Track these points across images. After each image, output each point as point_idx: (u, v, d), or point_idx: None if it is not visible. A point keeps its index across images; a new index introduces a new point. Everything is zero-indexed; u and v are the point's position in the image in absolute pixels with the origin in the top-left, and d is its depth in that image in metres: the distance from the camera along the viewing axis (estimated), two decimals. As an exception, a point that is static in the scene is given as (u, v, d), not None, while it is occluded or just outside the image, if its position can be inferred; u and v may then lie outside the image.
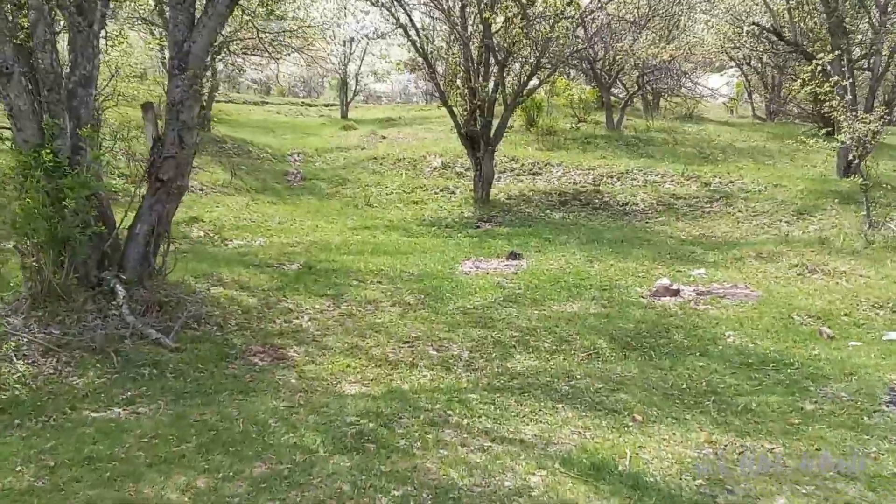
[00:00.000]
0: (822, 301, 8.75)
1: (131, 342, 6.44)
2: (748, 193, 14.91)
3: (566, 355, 6.96)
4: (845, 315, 8.30)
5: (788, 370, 6.59)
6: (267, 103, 36.83)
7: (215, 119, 23.35)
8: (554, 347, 7.14)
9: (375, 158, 19.75)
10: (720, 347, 7.18)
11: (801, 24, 16.43)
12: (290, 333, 7.36)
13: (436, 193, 16.64)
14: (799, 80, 13.71)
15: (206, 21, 7.30)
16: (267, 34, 20.21)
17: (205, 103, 21.31)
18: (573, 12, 13.29)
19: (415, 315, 8.11)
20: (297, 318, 7.88)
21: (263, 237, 12.04)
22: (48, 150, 6.31)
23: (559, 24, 12.82)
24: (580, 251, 11.38)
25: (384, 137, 23.68)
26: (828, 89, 12.94)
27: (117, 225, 7.41)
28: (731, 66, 31.62)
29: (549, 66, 15.62)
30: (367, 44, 31.07)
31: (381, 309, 8.33)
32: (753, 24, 17.24)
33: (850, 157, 15.18)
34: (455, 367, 6.59)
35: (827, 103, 13.34)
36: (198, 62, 7.37)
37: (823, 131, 14.41)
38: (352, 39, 30.28)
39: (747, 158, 18.64)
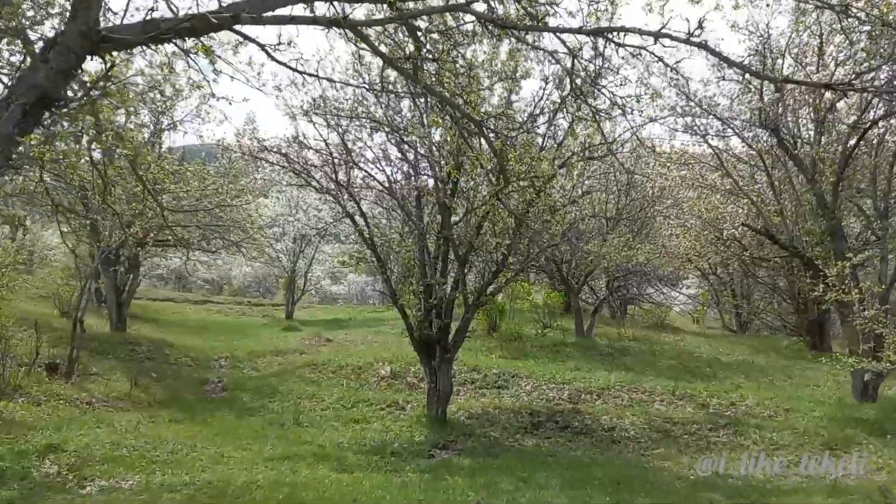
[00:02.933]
0: None
1: None
2: (758, 420, 12.42)
3: None
4: None
5: None
6: (209, 302, 34.31)
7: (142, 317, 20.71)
8: None
9: (315, 365, 17.01)
10: None
11: (797, 228, 15.01)
12: None
13: (382, 409, 13.78)
14: (821, 286, 11.80)
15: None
16: (200, 227, 18.18)
17: (119, 298, 18.73)
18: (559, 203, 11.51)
19: None
20: None
21: (140, 475, 8.89)
22: None
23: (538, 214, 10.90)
24: (568, 500, 8.49)
25: (329, 340, 21.12)
26: (857, 296, 10.98)
27: None
28: (690, 278, 30.66)
29: (517, 264, 13.62)
30: (319, 241, 29.45)
31: None
32: (743, 225, 15.89)
33: (866, 378, 13.07)
34: None
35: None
36: None
37: (847, 358, 12.39)
38: (303, 236, 28.55)
39: (739, 375, 16.43)
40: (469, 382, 15.25)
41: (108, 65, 4.80)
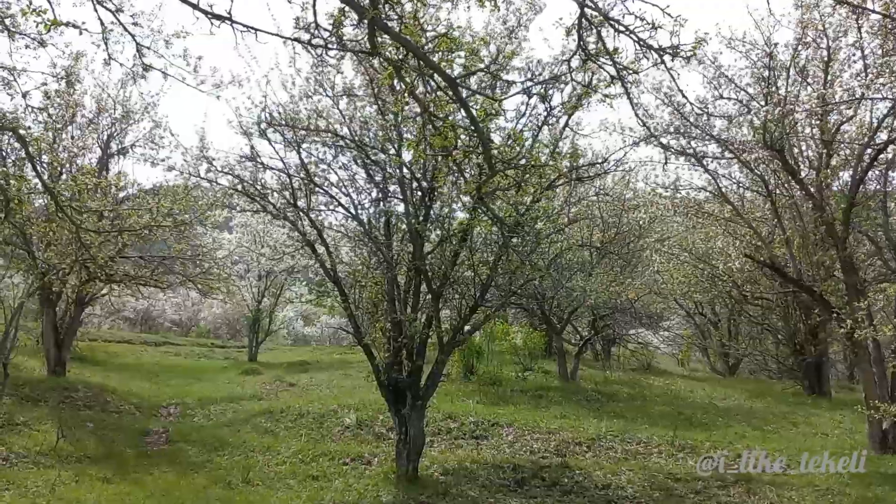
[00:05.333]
0: None
1: None
2: (772, 475, 10.96)
3: None
4: None
5: None
6: (169, 343, 32.37)
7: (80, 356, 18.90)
8: None
9: (272, 413, 15.32)
10: None
11: (805, 260, 13.80)
12: None
13: (345, 464, 12.13)
14: (844, 324, 10.52)
15: None
16: (153, 260, 16.60)
17: (58, 339, 16.96)
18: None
19: None
20: None
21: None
22: None
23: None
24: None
25: (292, 385, 19.46)
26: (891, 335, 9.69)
27: None
28: (673, 318, 29.37)
29: (497, 299, 12.24)
30: (286, 278, 27.84)
31: None
32: (746, 256, 14.65)
33: (884, 426, 11.76)
34: None
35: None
36: None
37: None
38: (268, 273, 26.92)
39: (739, 422, 15.05)
40: (444, 432, 13.67)
41: None
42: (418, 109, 10.74)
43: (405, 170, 11.44)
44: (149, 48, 7.41)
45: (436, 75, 5.09)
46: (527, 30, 10.26)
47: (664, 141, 12.44)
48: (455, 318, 12.10)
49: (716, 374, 27.47)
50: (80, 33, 5.31)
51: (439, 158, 10.75)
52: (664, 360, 30.61)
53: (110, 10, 6.92)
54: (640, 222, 16.64)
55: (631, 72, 4.97)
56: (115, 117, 16.80)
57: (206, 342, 35.80)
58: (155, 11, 6.88)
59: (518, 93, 7.14)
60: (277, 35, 4.72)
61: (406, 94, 5.50)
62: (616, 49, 4.68)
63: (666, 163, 12.29)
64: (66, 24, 5.19)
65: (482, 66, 6.67)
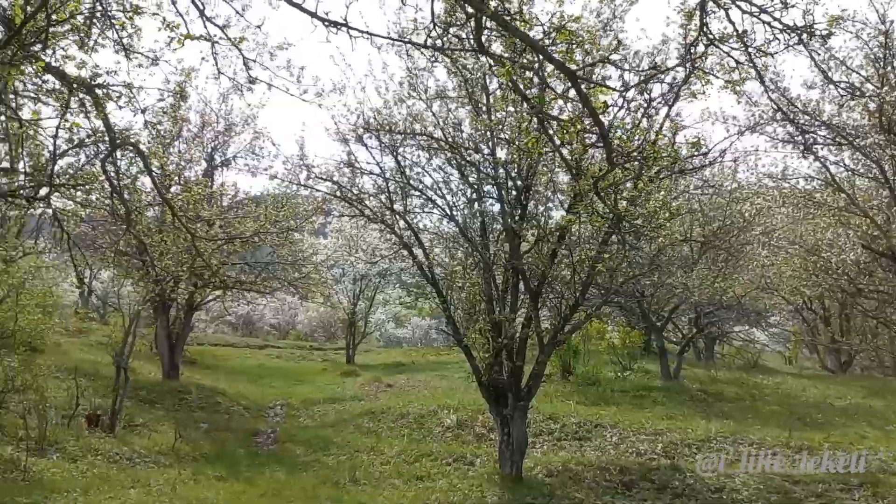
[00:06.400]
0: None
1: None
2: (903, 477, 10.30)
3: None
4: None
5: None
6: (270, 347, 33.48)
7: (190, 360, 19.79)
8: None
9: (373, 413, 15.58)
10: None
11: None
12: None
13: (448, 464, 12.19)
14: None
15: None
16: (248, 264, 17.23)
17: (171, 344, 17.80)
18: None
19: None
20: None
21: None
22: None
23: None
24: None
25: (389, 386, 19.72)
26: None
27: None
28: (779, 314, 27.97)
29: (598, 297, 12.02)
30: (379, 281, 28.30)
31: None
32: (864, 247, 13.80)
33: None
34: None
35: None
36: None
37: None
38: (362, 276, 27.43)
39: (859, 422, 14.21)
40: (546, 433, 13.53)
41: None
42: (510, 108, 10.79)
43: (500, 169, 11.40)
44: (254, 61, 7.63)
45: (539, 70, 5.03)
46: (622, 21, 10.01)
47: (770, 129, 11.88)
48: (555, 317, 11.93)
49: (827, 372, 26.07)
50: (213, 45, 5.51)
51: (534, 156, 10.70)
52: (771, 358, 29.34)
53: (218, 26, 7.18)
54: (745, 214, 15.95)
55: (762, 54, 4.71)
56: (217, 130, 17.55)
57: (305, 345, 36.82)
58: (259, 24, 7.07)
59: (639, 84, 6.87)
60: (391, 38, 4.78)
61: (513, 92, 5.43)
62: (745, 31, 4.45)
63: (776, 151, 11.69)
64: (199, 38, 5.39)
65: (595, 57, 6.49)
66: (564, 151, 7.04)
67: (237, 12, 5.51)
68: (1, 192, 10.37)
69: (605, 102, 5.17)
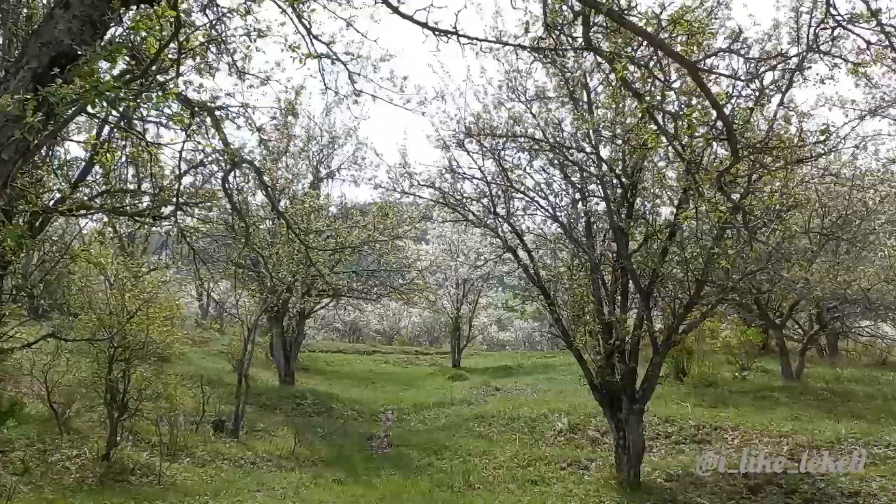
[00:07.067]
0: None
1: None
2: None
3: None
4: None
5: None
6: (378, 352, 34.19)
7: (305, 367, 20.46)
8: None
9: (483, 417, 15.61)
10: None
11: None
12: None
13: (562, 469, 12.04)
14: None
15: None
16: (355, 272, 17.66)
17: (287, 351, 18.46)
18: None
19: None
20: None
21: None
22: None
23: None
24: None
25: (497, 390, 19.72)
26: None
27: None
28: None
29: (713, 295, 11.55)
30: (482, 285, 28.37)
31: None
32: None
33: None
34: None
35: None
36: None
37: None
38: (465, 280, 27.58)
39: None
40: (662, 436, 13.14)
41: (175, 22, 3.69)
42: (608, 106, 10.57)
43: (604, 167, 11.19)
44: (359, 74, 7.81)
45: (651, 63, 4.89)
46: (728, 8, 9.60)
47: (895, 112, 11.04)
48: (668, 317, 11.58)
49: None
50: (333, 62, 5.69)
51: (641, 153, 10.44)
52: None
53: (324, 43, 7.41)
54: (868, 203, 14.93)
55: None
56: (322, 144, 18.13)
57: (411, 349, 37.38)
58: (363, 39, 7.23)
59: (761, 72, 6.55)
60: (501, 43, 4.79)
61: (623, 88, 5.31)
62: (878, 10, 4.17)
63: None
64: (319, 57, 5.57)
65: (706, 49, 6.24)
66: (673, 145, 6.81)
67: (348, 23, 5.64)
68: (130, 212, 11.09)
69: (726, 92, 4.96)
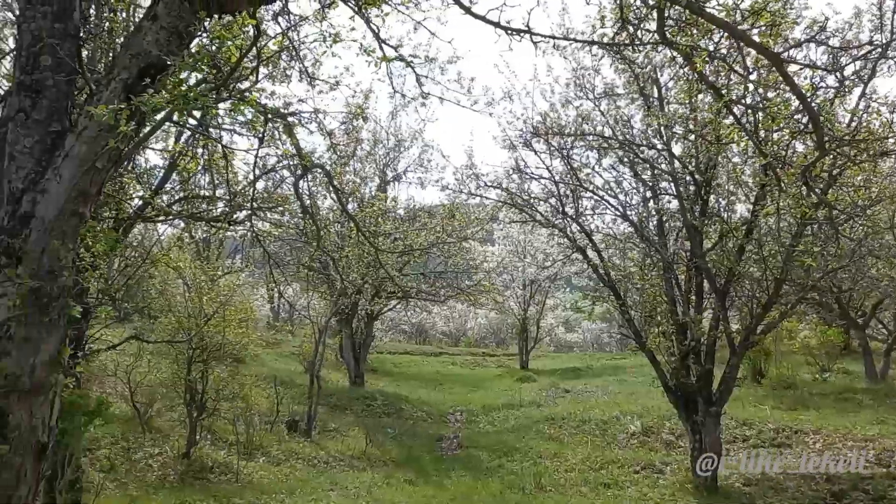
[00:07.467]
0: None
1: None
2: None
3: None
4: None
5: None
6: (444, 354, 34.29)
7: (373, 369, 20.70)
8: None
9: (553, 419, 15.47)
10: None
11: None
12: None
13: (636, 472, 11.82)
14: None
15: (76, 148, 3.56)
16: (423, 274, 17.76)
17: (356, 353, 18.70)
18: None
19: None
20: None
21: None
22: None
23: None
24: None
25: (567, 392, 19.51)
26: None
27: None
28: None
29: (792, 294, 11.15)
30: (549, 286, 28.12)
31: None
32: None
33: None
34: None
35: None
36: (42, 245, 3.49)
37: None
38: (532, 281, 27.40)
39: None
40: (740, 439, 12.75)
41: (255, 31, 3.78)
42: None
43: (676, 164, 10.95)
44: (426, 76, 7.85)
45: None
46: (806, -5, 9.26)
47: None
48: (745, 317, 11.23)
49: None
50: (408, 65, 5.73)
51: (713, 148, 10.16)
52: None
53: (391, 46, 7.48)
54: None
55: None
56: (388, 147, 18.32)
57: (478, 351, 37.34)
58: (430, 41, 7.27)
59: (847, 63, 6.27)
60: (576, 40, 4.73)
61: (699, 83, 5.17)
62: None
63: None
64: (390, 60, 5.62)
65: (790, 39, 6.03)
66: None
67: (420, 24, 5.67)
68: (206, 217, 11.42)
69: (812, 84, 4.77)
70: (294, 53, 8.01)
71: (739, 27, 3.89)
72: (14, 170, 3.46)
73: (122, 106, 3.10)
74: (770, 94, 8.69)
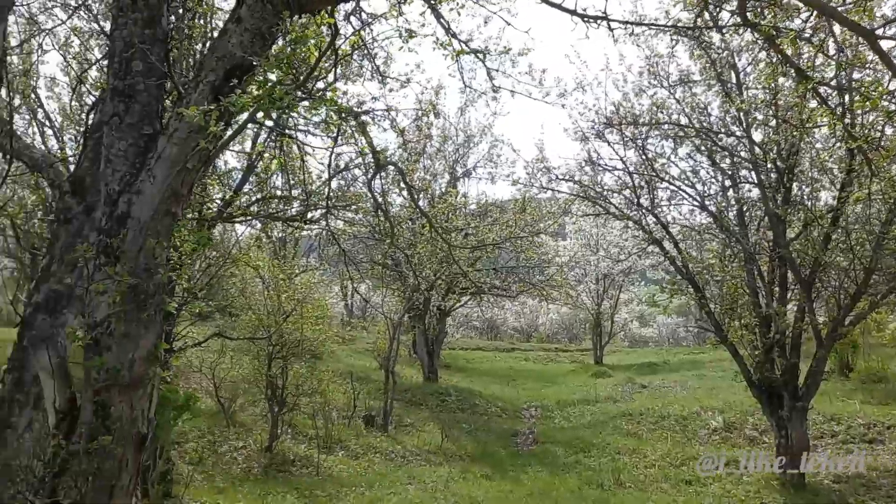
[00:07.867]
0: None
1: None
2: None
3: None
4: None
5: None
6: (517, 349, 34.18)
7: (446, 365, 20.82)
8: None
9: (630, 415, 15.22)
10: None
11: None
12: None
13: (718, 468, 11.51)
14: None
15: (168, 149, 3.67)
16: (495, 269, 17.73)
17: (429, 348, 18.84)
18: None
19: None
20: None
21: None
22: None
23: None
24: None
25: (644, 387, 19.14)
26: None
27: None
28: None
29: (884, 283, 10.62)
30: (623, 280, 27.65)
31: None
32: None
33: None
34: None
35: None
36: (138, 244, 3.63)
37: None
38: (605, 276, 26.99)
39: None
40: (828, 435, 12.25)
41: (332, 29, 3.84)
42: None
43: (757, 151, 10.59)
44: (496, 70, 7.83)
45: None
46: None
47: None
48: (832, 308, 10.77)
49: None
50: (482, 58, 5.75)
51: (796, 133, 9.79)
52: None
53: (461, 41, 7.49)
54: None
55: None
56: (457, 143, 18.36)
57: (550, 346, 37.06)
58: (500, 35, 7.25)
59: None
60: (653, 25, 4.63)
61: (783, 65, 4.98)
62: None
63: None
64: (471, 53, 5.64)
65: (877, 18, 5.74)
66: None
67: (493, 14, 5.66)
68: (283, 217, 11.71)
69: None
70: (366, 52, 8.14)
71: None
72: (110, 172, 3.64)
73: (212, 107, 3.22)
74: (856, 76, 8.31)
